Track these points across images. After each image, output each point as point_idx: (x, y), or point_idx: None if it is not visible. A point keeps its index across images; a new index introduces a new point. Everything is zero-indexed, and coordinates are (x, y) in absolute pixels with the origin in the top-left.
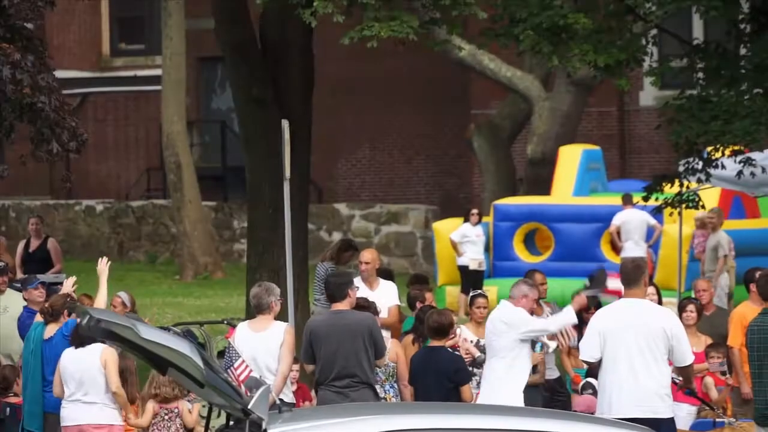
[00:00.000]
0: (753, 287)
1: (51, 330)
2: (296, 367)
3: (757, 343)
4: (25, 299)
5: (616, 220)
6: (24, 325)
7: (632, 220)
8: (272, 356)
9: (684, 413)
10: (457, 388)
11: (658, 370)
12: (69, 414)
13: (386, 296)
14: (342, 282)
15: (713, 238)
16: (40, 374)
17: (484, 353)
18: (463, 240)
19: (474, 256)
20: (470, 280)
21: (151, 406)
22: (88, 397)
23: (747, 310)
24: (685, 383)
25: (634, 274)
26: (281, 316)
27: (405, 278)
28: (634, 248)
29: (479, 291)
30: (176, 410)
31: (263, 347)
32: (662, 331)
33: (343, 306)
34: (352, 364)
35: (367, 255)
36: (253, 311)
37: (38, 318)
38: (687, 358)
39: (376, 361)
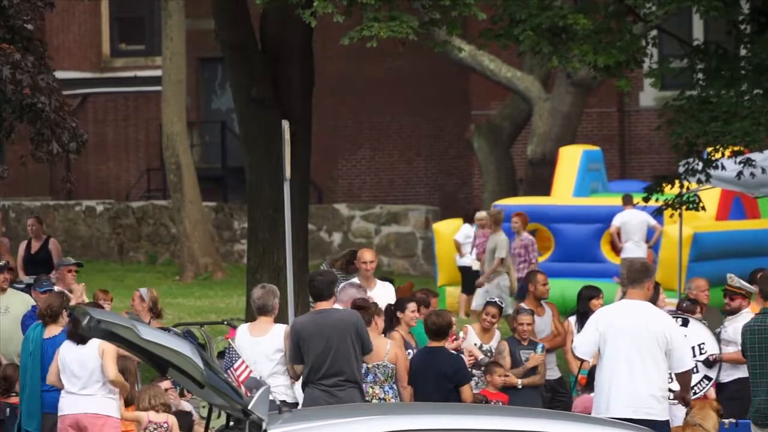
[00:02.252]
0: (755, 288)
1: (51, 331)
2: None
3: (757, 343)
4: (34, 298)
5: (617, 221)
6: (26, 325)
7: (632, 221)
8: (272, 361)
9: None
10: (456, 389)
11: (656, 372)
12: (66, 404)
13: (384, 296)
14: (330, 280)
15: (492, 239)
16: (39, 374)
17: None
18: (467, 241)
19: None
20: (471, 280)
21: (142, 414)
22: (86, 390)
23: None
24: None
25: (639, 275)
26: (281, 317)
27: (405, 279)
28: (634, 249)
29: (495, 299)
30: (165, 425)
31: (262, 352)
32: (662, 334)
33: (327, 305)
34: (340, 363)
35: (368, 254)
36: (254, 313)
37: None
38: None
39: (364, 357)
